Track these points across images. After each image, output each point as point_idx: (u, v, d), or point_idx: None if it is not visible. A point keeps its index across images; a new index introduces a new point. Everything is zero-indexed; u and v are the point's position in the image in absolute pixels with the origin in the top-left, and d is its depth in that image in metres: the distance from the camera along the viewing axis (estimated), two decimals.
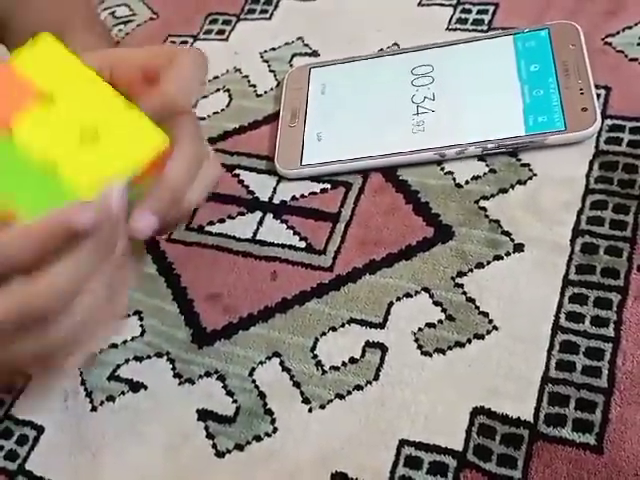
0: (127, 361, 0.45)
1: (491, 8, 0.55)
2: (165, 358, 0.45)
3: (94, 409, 0.44)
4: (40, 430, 0.44)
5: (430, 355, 0.41)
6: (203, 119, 0.56)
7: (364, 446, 0.39)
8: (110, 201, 0.33)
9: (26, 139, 0.33)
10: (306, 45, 0.58)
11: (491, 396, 0.39)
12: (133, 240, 0.36)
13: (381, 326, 0.43)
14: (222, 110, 0.56)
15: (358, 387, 0.41)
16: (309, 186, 0.50)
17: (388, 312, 0.43)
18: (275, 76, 0.57)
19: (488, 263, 0.43)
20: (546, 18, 0.52)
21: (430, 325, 0.42)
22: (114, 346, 0.46)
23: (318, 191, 0.49)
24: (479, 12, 0.55)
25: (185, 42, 0.62)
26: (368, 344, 0.42)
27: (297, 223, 0.48)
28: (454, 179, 0.47)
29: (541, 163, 0.46)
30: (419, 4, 0.57)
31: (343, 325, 0.43)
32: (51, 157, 0.33)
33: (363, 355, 0.42)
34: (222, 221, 0.50)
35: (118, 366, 0.45)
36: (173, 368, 0.44)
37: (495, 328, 0.41)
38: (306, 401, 0.41)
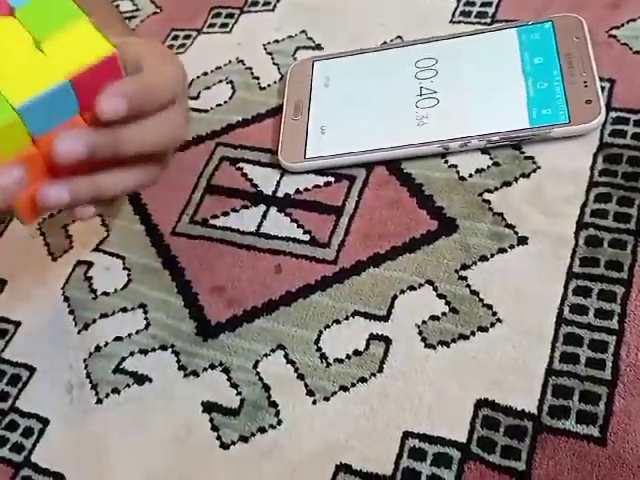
0: (132, 354, 0.46)
1: (495, 0, 0.54)
2: (170, 351, 0.45)
3: (99, 402, 0.44)
4: (45, 422, 0.45)
5: (434, 348, 0.41)
6: (206, 111, 0.56)
7: (368, 438, 0.39)
8: None
9: None
10: (310, 38, 0.58)
11: (495, 388, 0.39)
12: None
13: (385, 319, 0.43)
14: (225, 102, 0.56)
15: (362, 379, 0.41)
16: (313, 179, 0.50)
17: (392, 305, 0.43)
18: (279, 69, 0.57)
19: (492, 256, 0.43)
20: (550, 11, 0.52)
21: (434, 318, 0.42)
22: (119, 339, 0.46)
23: (322, 184, 0.49)
24: (483, 5, 0.54)
25: (189, 36, 0.62)
26: (372, 337, 0.42)
27: (301, 216, 0.48)
28: (458, 172, 0.47)
29: (545, 156, 0.46)
30: None
31: (347, 318, 0.43)
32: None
33: (367, 348, 0.42)
34: (226, 214, 0.50)
35: (123, 359, 0.46)
36: (178, 361, 0.45)
37: (499, 321, 0.41)
38: (310, 393, 0.41)
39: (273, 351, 0.43)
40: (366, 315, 0.43)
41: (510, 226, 0.44)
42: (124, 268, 0.50)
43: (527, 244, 0.43)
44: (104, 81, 0.34)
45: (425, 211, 0.46)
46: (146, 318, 0.47)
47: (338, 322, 0.43)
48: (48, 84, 0.33)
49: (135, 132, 0.36)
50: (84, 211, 0.37)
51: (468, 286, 0.42)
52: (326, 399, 0.41)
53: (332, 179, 0.49)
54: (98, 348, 0.46)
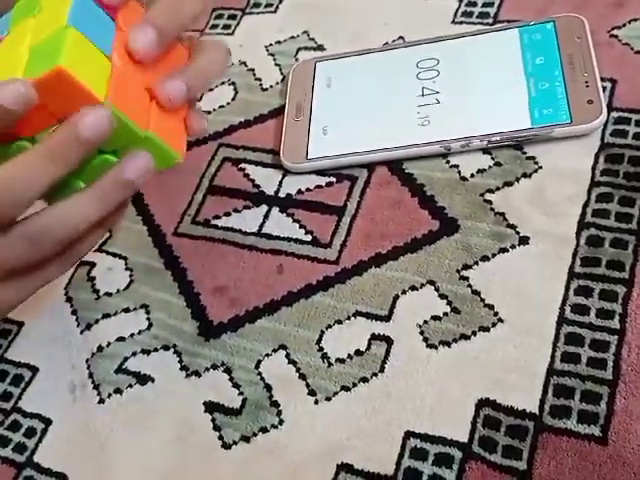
0: (134, 354, 0.46)
1: (497, 1, 0.54)
2: (172, 351, 0.45)
3: (102, 402, 0.44)
4: (48, 422, 0.45)
5: (435, 348, 0.41)
6: (209, 112, 0.56)
7: (370, 438, 0.39)
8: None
9: None
10: (312, 39, 0.58)
11: (496, 388, 0.39)
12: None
13: (387, 319, 0.43)
14: (227, 104, 0.56)
15: (364, 379, 0.41)
16: (315, 180, 0.50)
17: (394, 305, 0.43)
18: (280, 70, 0.57)
19: (493, 256, 0.43)
20: (552, 11, 0.52)
21: (435, 318, 0.42)
22: (121, 339, 0.46)
23: (324, 185, 0.49)
24: (485, 5, 0.55)
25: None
26: (374, 337, 0.42)
27: (303, 216, 0.48)
28: (459, 172, 0.47)
29: (547, 156, 0.46)
30: None
31: (349, 318, 0.43)
32: None
33: (369, 348, 0.42)
34: (228, 215, 0.50)
35: (125, 359, 0.46)
36: (180, 361, 0.45)
37: (500, 321, 0.41)
38: (312, 393, 0.41)
39: (275, 351, 0.44)
40: (368, 315, 0.43)
41: (511, 226, 0.44)
42: (126, 268, 0.50)
43: (528, 244, 0.43)
44: None
45: (427, 211, 0.46)
46: (148, 318, 0.47)
47: (340, 322, 0.43)
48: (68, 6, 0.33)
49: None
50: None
51: (469, 286, 0.42)
52: (328, 399, 0.41)
53: (334, 179, 0.49)
54: (101, 348, 0.46)
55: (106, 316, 0.48)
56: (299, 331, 0.44)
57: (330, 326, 0.43)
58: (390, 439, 0.39)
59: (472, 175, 0.47)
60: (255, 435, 0.41)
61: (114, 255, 0.51)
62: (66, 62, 0.32)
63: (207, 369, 0.44)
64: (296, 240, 0.47)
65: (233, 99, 0.57)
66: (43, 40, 0.33)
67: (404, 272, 0.44)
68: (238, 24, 0.61)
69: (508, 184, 0.46)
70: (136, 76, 0.36)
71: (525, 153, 0.46)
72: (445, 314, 0.42)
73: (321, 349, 0.43)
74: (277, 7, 0.61)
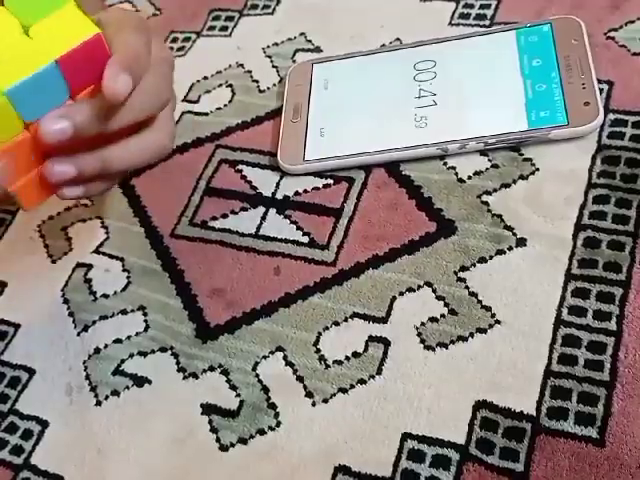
0: (131, 356, 0.46)
1: (493, 3, 0.54)
2: (169, 353, 0.45)
3: (99, 404, 0.44)
4: (45, 425, 0.45)
5: (433, 349, 0.41)
6: (206, 114, 0.56)
7: (367, 440, 0.39)
8: None
9: None
10: (309, 41, 0.58)
11: (494, 390, 0.39)
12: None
13: (384, 320, 0.43)
14: (225, 106, 0.56)
15: (361, 381, 0.41)
16: (312, 181, 0.50)
17: (391, 306, 0.43)
18: (278, 72, 0.57)
19: (491, 258, 0.43)
20: (548, 13, 0.52)
21: (433, 319, 0.42)
22: (118, 341, 0.46)
23: (321, 186, 0.49)
24: (481, 7, 0.55)
25: (188, 38, 0.62)
26: (371, 338, 0.42)
27: (300, 218, 0.48)
28: (457, 174, 0.47)
29: (543, 158, 0.46)
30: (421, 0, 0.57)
31: (346, 319, 0.43)
32: None
33: (366, 349, 0.42)
34: (225, 216, 0.50)
35: (122, 361, 0.46)
36: (177, 363, 0.45)
37: (498, 322, 0.41)
38: (309, 395, 0.41)
39: (272, 353, 0.44)
40: (365, 317, 0.43)
41: (509, 228, 0.44)
42: (123, 270, 0.50)
43: (526, 246, 0.43)
44: (91, 62, 0.34)
45: (424, 213, 0.46)
46: (145, 320, 0.47)
47: (337, 324, 0.43)
48: (35, 68, 0.33)
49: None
50: (71, 191, 0.38)
51: (467, 288, 0.42)
52: (325, 401, 0.41)
53: (331, 181, 0.49)
54: (98, 350, 0.46)
55: (103, 318, 0.48)
56: (296, 333, 0.44)
57: (327, 328, 0.43)
58: (387, 441, 0.39)
59: (469, 177, 0.47)
60: (252, 437, 0.41)
61: (111, 257, 0.51)
62: None
63: (204, 371, 0.44)
64: (293, 242, 0.47)
65: (230, 101, 0.57)
66: None
67: (401, 274, 0.44)
68: (235, 26, 0.61)
69: (505, 186, 0.46)
70: (39, 145, 0.35)
71: (522, 155, 0.46)
72: (442, 316, 0.42)
73: (318, 351, 0.43)
74: (274, 9, 0.61)
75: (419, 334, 0.42)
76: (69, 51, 0.34)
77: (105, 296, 0.49)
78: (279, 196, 0.50)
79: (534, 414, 0.38)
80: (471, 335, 0.41)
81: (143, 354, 0.46)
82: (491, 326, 0.41)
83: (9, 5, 0.35)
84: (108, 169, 0.38)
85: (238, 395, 0.43)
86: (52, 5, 0.35)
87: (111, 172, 0.38)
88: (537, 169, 0.46)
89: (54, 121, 0.34)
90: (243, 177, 0.52)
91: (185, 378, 0.44)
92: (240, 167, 0.52)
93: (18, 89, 0.33)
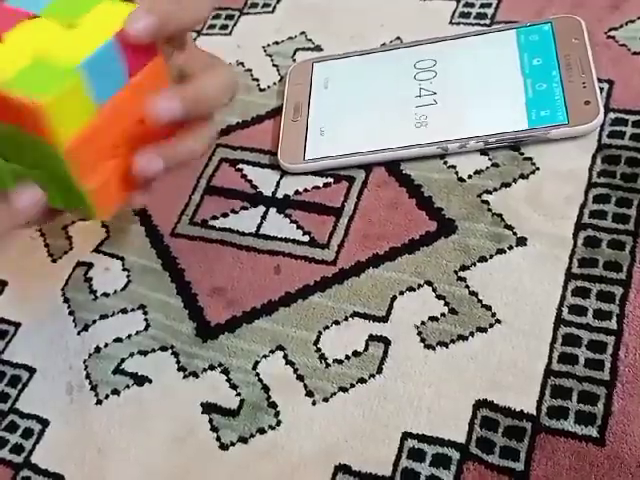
0: (132, 355, 0.46)
1: (494, 2, 0.54)
2: (169, 352, 0.45)
3: (99, 403, 0.44)
4: (45, 424, 0.45)
5: (433, 348, 0.41)
6: None
7: (367, 439, 0.39)
8: None
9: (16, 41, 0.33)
10: (309, 40, 0.58)
11: (494, 389, 0.39)
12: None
13: (384, 320, 0.43)
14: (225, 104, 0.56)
15: (361, 380, 0.41)
16: (312, 180, 0.50)
17: (391, 306, 0.43)
18: (278, 71, 0.57)
19: (491, 257, 0.43)
20: (549, 12, 0.52)
21: (433, 319, 0.42)
22: (119, 340, 0.46)
23: (321, 185, 0.49)
24: (482, 6, 0.55)
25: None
26: (371, 337, 0.42)
27: (300, 217, 0.48)
28: (457, 173, 0.47)
29: (544, 157, 0.46)
30: None
31: (346, 319, 0.43)
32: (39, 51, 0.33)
33: (366, 348, 0.42)
34: (226, 215, 0.50)
35: (123, 360, 0.46)
36: (177, 362, 0.45)
37: (498, 321, 0.41)
38: (309, 394, 0.41)
39: (272, 352, 0.44)
40: (365, 316, 0.43)
41: (509, 227, 0.44)
42: (124, 269, 0.50)
43: (526, 245, 0.43)
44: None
45: (424, 212, 0.46)
46: (146, 319, 0.47)
47: (337, 323, 0.43)
48: (95, 45, 0.33)
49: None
50: (141, 197, 0.38)
51: (467, 287, 0.42)
52: (325, 400, 0.41)
53: (331, 180, 0.49)
54: (98, 349, 0.46)
55: (103, 317, 0.48)
56: (297, 332, 0.44)
57: (328, 327, 0.44)
58: (388, 440, 0.39)
59: (469, 176, 0.47)
60: (253, 436, 0.41)
61: (111, 256, 0.51)
62: (49, 103, 0.31)
63: (204, 370, 0.44)
64: (293, 241, 0.47)
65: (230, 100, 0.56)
66: (50, 61, 0.32)
67: (402, 273, 0.44)
68: (235, 24, 0.61)
69: (505, 185, 0.46)
70: (112, 131, 0.35)
71: (522, 154, 0.46)
72: (443, 315, 0.42)
73: (319, 350, 0.43)
74: (275, 7, 0.61)
75: (419, 333, 0.42)
76: (121, 29, 0.33)
77: (105, 295, 0.49)
78: (279, 195, 0.50)
79: (534, 413, 0.38)
80: (471, 334, 0.41)
81: (143, 353, 0.46)
82: (491, 325, 0.41)
83: (46, 16, 0.34)
84: (181, 161, 0.37)
85: (238, 394, 0.43)
86: (89, 3, 0.34)
87: (182, 166, 0.38)
88: (537, 168, 0.46)
89: (165, 100, 0.34)
90: (243, 176, 0.52)
91: (185, 377, 0.44)
92: (240, 166, 0.52)
93: (89, 64, 0.32)
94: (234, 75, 0.40)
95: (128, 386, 0.45)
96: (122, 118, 0.35)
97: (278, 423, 0.41)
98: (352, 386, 0.41)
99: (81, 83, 0.32)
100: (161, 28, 0.34)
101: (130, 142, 0.36)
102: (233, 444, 0.41)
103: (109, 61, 0.33)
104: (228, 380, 0.43)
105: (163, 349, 0.45)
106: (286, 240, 0.48)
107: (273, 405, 0.42)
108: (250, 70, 0.58)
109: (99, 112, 0.34)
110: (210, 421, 0.42)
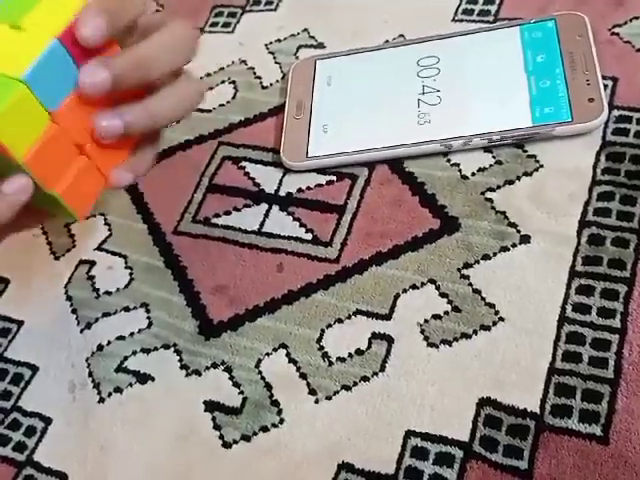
0: (134, 353, 0.46)
1: None
2: (172, 350, 0.45)
3: (102, 401, 0.44)
4: (48, 422, 0.45)
5: (436, 346, 0.41)
6: (209, 111, 0.56)
7: (370, 437, 0.39)
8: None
9: None
10: (312, 37, 0.58)
11: (497, 387, 0.39)
12: None
13: (387, 317, 0.43)
14: (227, 102, 0.56)
15: (364, 378, 0.41)
16: (315, 178, 0.50)
17: (394, 303, 0.43)
18: (281, 68, 0.57)
19: (494, 255, 0.43)
20: (553, 9, 0.52)
21: (436, 316, 0.42)
22: (121, 338, 0.46)
23: (324, 183, 0.49)
24: (485, 3, 0.54)
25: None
26: (374, 335, 0.42)
27: (303, 215, 0.48)
28: (460, 170, 0.47)
29: (547, 154, 0.46)
30: None
31: (349, 316, 0.43)
32: None
33: (369, 346, 0.42)
34: (228, 213, 0.50)
35: (125, 358, 0.46)
36: (180, 360, 0.45)
37: (501, 319, 0.41)
38: (312, 392, 0.41)
39: (275, 350, 0.43)
40: (368, 314, 0.43)
41: (512, 225, 0.44)
42: (126, 267, 0.50)
43: (529, 243, 0.43)
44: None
45: (427, 210, 0.46)
46: (148, 317, 0.47)
47: (340, 321, 0.43)
48: (40, 51, 0.32)
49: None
50: (121, 177, 0.37)
51: (470, 285, 0.42)
52: (328, 398, 0.41)
53: (334, 178, 0.49)
54: (100, 347, 0.46)
55: (106, 315, 0.48)
56: (299, 330, 0.44)
57: (331, 325, 0.43)
58: (391, 438, 0.39)
59: (473, 174, 0.47)
60: (255, 434, 0.41)
61: (114, 254, 0.51)
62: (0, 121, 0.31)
63: (207, 368, 0.44)
64: (296, 239, 0.47)
65: (233, 97, 0.56)
66: None
67: (405, 271, 0.44)
68: (238, 22, 0.61)
69: (509, 182, 0.45)
70: (73, 133, 0.35)
71: (526, 151, 0.46)
72: (446, 313, 0.42)
73: (321, 348, 0.43)
74: (277, 5, 0.61)
75: (422, 331, 0.42)
76: (67, 27, 0.33)
77: (108, 293, 0.49)
78: (282, 193, 0.50)
79: (538, 411, 0.37)
80: (475, 332, 0.41)
81: (146, 351, 0.46)
82: (495, 323, 0.41)
83: None
84: (154, 122, 0.37)
85: (241, 392, 0.43)
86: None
87: (156, 127, 0.37)
88: (541, 166, 0.45)
89: (91, 69, 0.33)
90: (246, 174, 0.52)
91: (188, 375, 0.44)
92: (243, 164, 0.52)
93: (34, 73, 0.32)
94: (190, 34, 0.39)
95: (131, 384, 0.45)
96: (80, 118, 0.34)
97: (281, 421, 0.41)
98: (355, 384, 0.41)
99: (28, 94, 0.32)
100: (112, 25, 0.34)
101: (95, 137, 0.35)
102: (236, 442, 0.41)
103: (57, 64, 0.33)
104: (231, 378, 0.43)
105: (166, 347, 0.45)
106: (289, 238, 0.48)
107: (276, 403, 0.42)
108: (253, 68, 0.58)
109: (55, 117, 0.33)
110: (213, 419, 0.42)
